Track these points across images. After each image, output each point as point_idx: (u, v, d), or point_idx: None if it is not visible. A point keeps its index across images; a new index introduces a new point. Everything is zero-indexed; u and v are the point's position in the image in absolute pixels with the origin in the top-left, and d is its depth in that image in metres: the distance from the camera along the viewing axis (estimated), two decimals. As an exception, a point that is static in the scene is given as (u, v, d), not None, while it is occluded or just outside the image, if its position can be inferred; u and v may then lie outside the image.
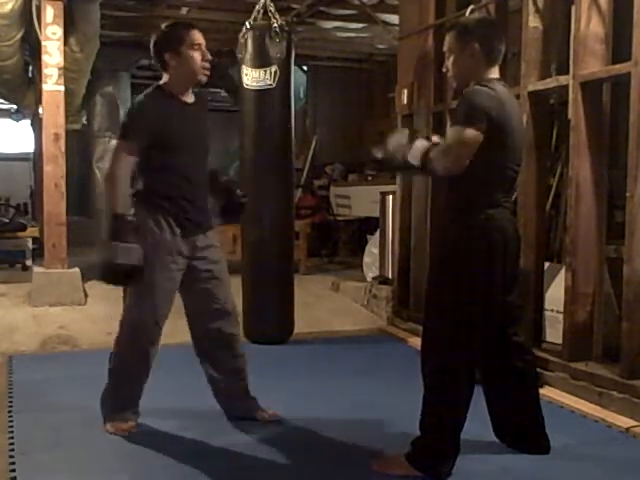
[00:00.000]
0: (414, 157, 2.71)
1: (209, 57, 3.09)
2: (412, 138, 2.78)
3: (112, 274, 2.98)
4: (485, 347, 3.00)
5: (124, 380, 3.24)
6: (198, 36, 3.06)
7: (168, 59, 3.05)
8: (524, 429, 3.03)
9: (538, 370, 3.91)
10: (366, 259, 6.87)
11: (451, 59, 2.85)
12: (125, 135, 3.08)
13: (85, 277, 6.31)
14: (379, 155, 2.84)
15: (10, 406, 3.57)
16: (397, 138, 2.80)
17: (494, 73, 2.83)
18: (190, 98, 3.18)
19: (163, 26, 3.12)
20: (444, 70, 2.94)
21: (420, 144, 2.74)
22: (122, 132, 3.10)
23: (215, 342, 3.27)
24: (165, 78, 3.12)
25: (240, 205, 3.37)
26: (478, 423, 3.10)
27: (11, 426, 3.29)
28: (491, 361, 3.02)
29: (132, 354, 3.20)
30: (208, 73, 3.12)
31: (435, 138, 2.84)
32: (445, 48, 2.88)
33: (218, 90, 13.23)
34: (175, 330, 3.47)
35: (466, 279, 2.73)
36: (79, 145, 9.94)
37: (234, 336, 3.31)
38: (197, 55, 3.04)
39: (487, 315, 2.81)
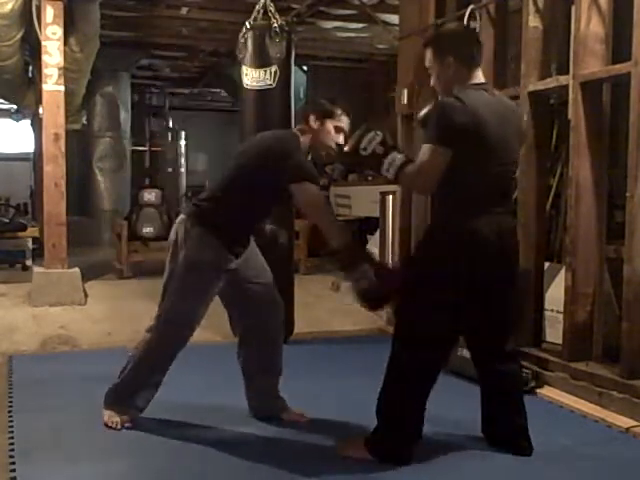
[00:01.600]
0: (389, 171, 2.78)
1: (342, 144, 3.21)
2: (384, 142, 2.79)
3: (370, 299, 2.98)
4: (473, 353, 3.08)
5: (136, 376, 3.26)
6: (345, 123, 3.23)
7: (312, 120, 3.22)
8: (508, 430, 3.03)
9: (538, 370, 3.94)
10: (366, 259, 6.85)
11: (434, 75, 2.91)
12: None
13: (85, 277, 6.33)
14: (348, 150, 2.89)
15: (10, 406, 3.57)
16: (369, 139, 2.80)
17: (476, 78, 2.86)
18: None
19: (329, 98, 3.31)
20: (432, 85, 2.97)
21: (394, 159, 2.77)
22: (303, 171, 3.12)
23: (263, 335, 3.32)
24: (304, 137, 3.23)
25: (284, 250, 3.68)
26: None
27: (11, 426, 3.29)
28: (478, 366, 3.08)
29: (156, 351, 3.24)
30: (328, 157, 3.30)
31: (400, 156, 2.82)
32: (427, 64, 2.94)
33: (218, 90, 13.25)
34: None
35: (433, 282, 2.78)
36: (79, 145, 9.96)
37: (280, 332, 3.39)
38: (335, 136, 3.21)
39: (455, 317, 2.82)
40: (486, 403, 3.05)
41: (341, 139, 3.21)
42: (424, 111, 3.10)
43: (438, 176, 2.73)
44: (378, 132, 2.81)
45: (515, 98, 4.39)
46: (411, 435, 2.88)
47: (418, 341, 2.81)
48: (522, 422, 3.00)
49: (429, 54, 2.91)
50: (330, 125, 3.20)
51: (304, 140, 3.22)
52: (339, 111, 3.24)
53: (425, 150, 2.74)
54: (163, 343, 3.24)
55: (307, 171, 3.11)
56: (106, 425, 3.24)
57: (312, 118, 3.21)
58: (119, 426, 3.23)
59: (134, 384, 3.28)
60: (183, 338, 3.25)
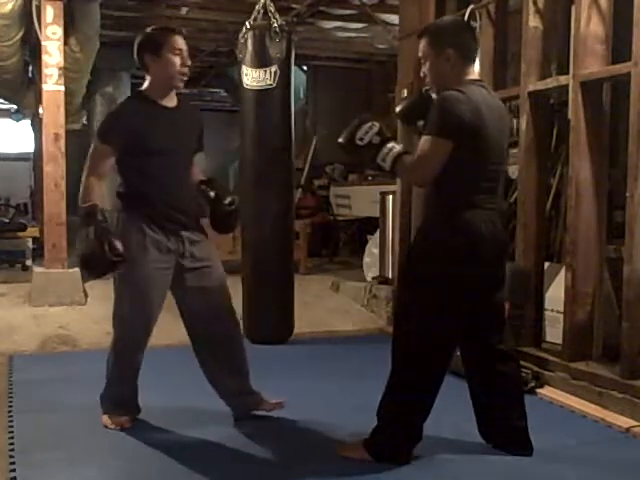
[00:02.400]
0: (385, 160, 2.76)
1: (188, 63, 3.13)
2: (381, 133, 2.77)
3: (85, 264, 3.02)
4: (467, 353, 3.03)
5: (115, 377, 3.28)
6: (180, 42, 3.09)
7: (148, 62, 3.10)
8: (508, 431, 3.01)
9: (538, 370, 3.94)
10: (366, 259, 6.87)
11: (427, 65, 2.86)
12: (100, 137, 3.11)
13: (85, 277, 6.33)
14: (343, 141, 2.82)
15: (10, 406, 3.57)
16: (365, 129, 2.77)
17: (472, 73, 2.84)
18: (171, 102, 3.18)
19: (147, 29, 3.14)
20: (422, 76, 2.93)
21: (392, 149, 2.75)
22: (98, 134, 3.13)
23: (213, 342, 3.25)
24: (146, 82, 3.17)
25: (227, 214, 3.24)
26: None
27: (11, 426, 3.29)
28: (475, 366, 3.04)
29: (122, 351, 3.24)
30: (185, 79, 3.14)
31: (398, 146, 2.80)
32: (420, 54, 2.89)
33: (218, 90, 13.23)
34: (171, 330, 3.47)
35: (432, 281, 2.76)
36: (79, 145, 9.94)
37: (232, 334, 3.29)
38: (177, 60, 3.07)
39: (455, 316, 2.81)
40: (485, 404, 3.03)
41: (186, 59, 3.09)
42: (403, 105, 3.07)
43: (437, 167, 2.71)
44: (375, 123, 2.78)
45: (515, 98, 4.40)
46: (410, 437, 2.88)
47: (421, 344, 2.79)
48: (523, 423, 2.99)
49: (425, 44, 2.85)
50: (167, 54, 3.04)
51: (150, 87, 3.13)
52: (167, 35, 3.07)
53: (425, 141, 2.71)
54: (119, 343, 3.22)
55: (98, 131, 3.14)
56: (105, 427, 3.26)
57: (147, 58, 3.08)
58: (117, 427, 3.24)
59: (116, 386, 3.28)
60: (136, 334, 3.20)
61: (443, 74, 2.82)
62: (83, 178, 3.07)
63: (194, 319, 3.25)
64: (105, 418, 3.28)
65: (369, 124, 2.78)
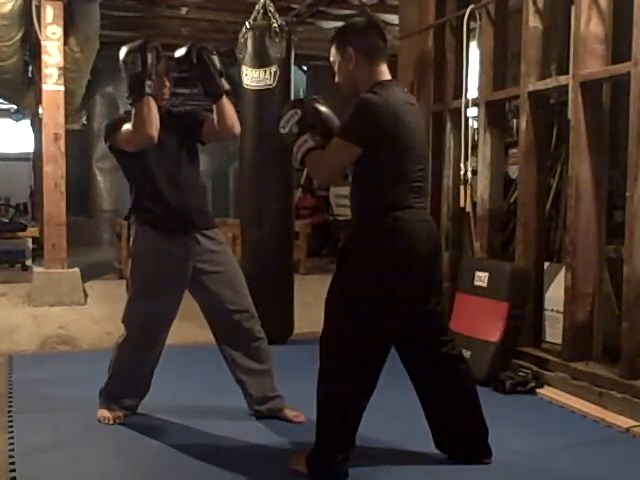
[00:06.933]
0: (297, 153, 2.71)
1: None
2: (301, 123, 2.70)
3: None
4: (412, 365, 2.90)
5: (122, 374, 3.29)
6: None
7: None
8: (463, 438, 2.89)
9: (538, 370, 3.94)
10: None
11: (336, 69, 2.77)
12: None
13: (85, 277, 6.33)
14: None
15: (10, 406, 3.57)
16: (288, 117, 2.72)
17: (383, 74, 2.72)
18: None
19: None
20: (336, 82, 2.82)
21: (305, 142, 2.69)
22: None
23: (236, 341, 3.27)
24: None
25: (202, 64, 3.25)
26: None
27: (11, 426, 3.28)
28: (420, 377, 2.91)
29: (128, 350, 3.26)
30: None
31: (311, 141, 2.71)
32: (331, 59, 2.80)
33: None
34: (178, 331, 3.47)
35: (369, 283, 2.62)
36: (79, 145, 9.96)
37: (253, 333, 3.30)
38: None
39: (392, 321, 2.69)
40: (438, 415, 2.89)
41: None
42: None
43: (339, 171, 2.71)
44: (297, 111, 2.71)
45: (515, 98, 4.40)
46: (341, 450, 2.70)
47: (354, 346, 2.66)
48: (482, 427, 2.86)
49: (332, 48, 2.77)
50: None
51: None
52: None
53: (334, 143, 2.63)
54: (130, 344, 3.25)
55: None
56: (99, 420, 3.29)
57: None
58: (110, 422, 3.27)
59: (117, 383, 3.31)
60: (148, 337, 3.24)
61: (349, 75, 2.72)
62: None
63: (216, 320, 3.28)
64: (100, 411, 3.30)
65: (291, 112, 2.71)
